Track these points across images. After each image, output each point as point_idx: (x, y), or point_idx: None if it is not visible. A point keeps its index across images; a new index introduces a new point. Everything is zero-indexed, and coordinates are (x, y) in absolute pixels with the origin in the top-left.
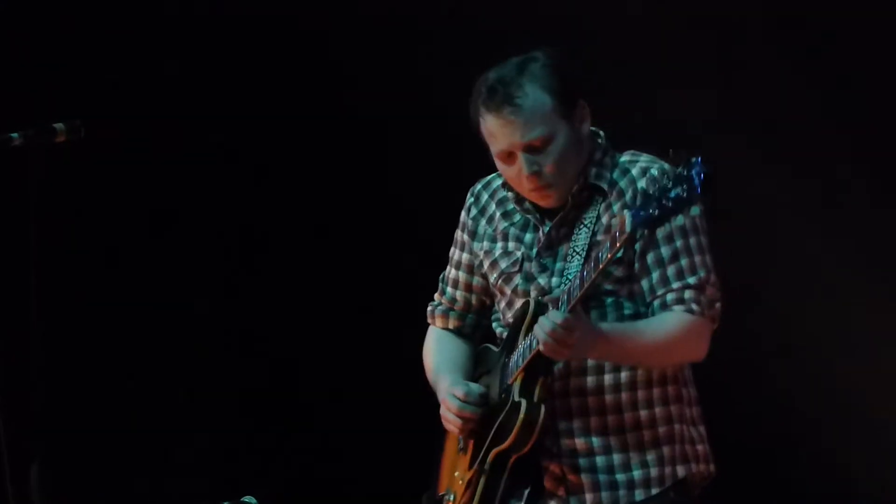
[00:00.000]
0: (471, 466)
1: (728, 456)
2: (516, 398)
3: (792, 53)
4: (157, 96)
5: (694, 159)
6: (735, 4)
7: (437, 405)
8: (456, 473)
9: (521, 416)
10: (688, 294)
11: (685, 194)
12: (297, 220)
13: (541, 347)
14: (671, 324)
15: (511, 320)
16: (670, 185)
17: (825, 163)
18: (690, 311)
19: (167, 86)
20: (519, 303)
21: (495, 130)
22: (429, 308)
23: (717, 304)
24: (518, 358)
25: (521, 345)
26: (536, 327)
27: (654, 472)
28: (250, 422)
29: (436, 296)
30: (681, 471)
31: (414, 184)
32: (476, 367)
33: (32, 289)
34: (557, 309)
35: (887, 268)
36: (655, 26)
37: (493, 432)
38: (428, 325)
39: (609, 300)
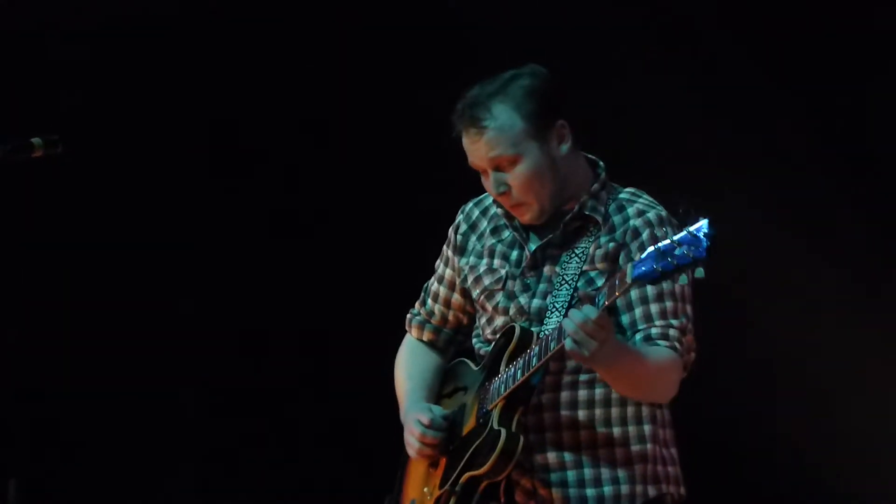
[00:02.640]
0: (442, 486)
1: (700, 480)
2: (495, 426)
3: (771, 62)
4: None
5: (702, 220)
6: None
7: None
8: (425, 489)
9: (500, 445)
10: (672, 332)
11: (692, 255)
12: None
13: (565, 342)
14: (661, 357)
15: (490, 337)
16: (676, 244)
17: (799, 171)
18: (674, 348)
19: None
20: (499, 320)
21: (466, 147)
22: (408, 316)
23: (693, 354)
24: (500, 385)
25: (505, 372)
26: (566, 321)
27: (624, 489)
28: (228, 427)
29: (416, 304)
30: (651, 490)
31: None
32: (448, 382)
33: (10, 302)
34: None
35: (859, 278)
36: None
37: (467, 456)
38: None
39: None
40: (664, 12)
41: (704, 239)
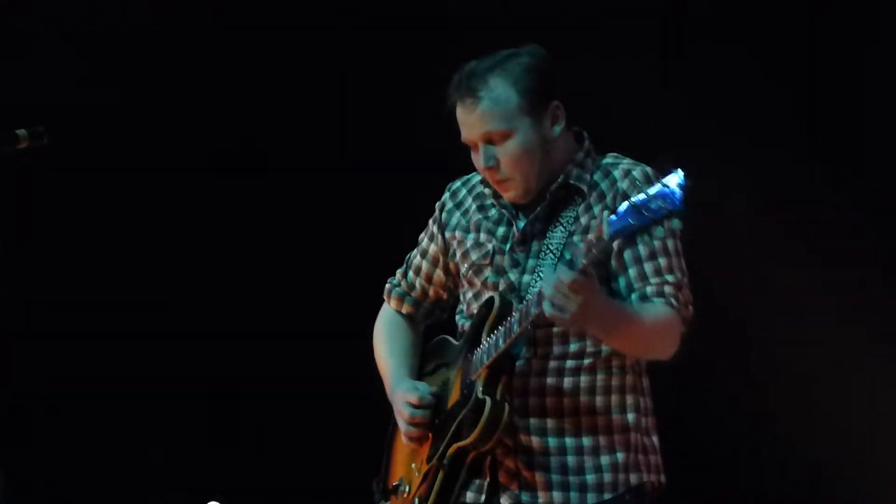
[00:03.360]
0: (429, 460)
1: (679, 468)
2: (480, 395)
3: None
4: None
5: (674, 171)
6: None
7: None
8: (413, 465)
9: (486, 413)
10: (667, 289)
11: (666, 207)
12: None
13: (544, 305)
14: (656, 313)
15: (475, 312)
16: (651, 196)
17: (797, 170)
18: (671, 304)
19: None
20: (487, 295)
21: (460, 119)
22: (387, 285)
23: (691, 307)
24: (483, 355)
25: (487, 341)
26: (542, 284)
27: (607, 476)
28: (216, 428)
29: (397, 274)
30: (633, 479)
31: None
32: (430, 360)
33: None
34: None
35: (843, 269)
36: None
37: (453, 428)
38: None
39: None
40: (663, 12)
41: (679, 190)
